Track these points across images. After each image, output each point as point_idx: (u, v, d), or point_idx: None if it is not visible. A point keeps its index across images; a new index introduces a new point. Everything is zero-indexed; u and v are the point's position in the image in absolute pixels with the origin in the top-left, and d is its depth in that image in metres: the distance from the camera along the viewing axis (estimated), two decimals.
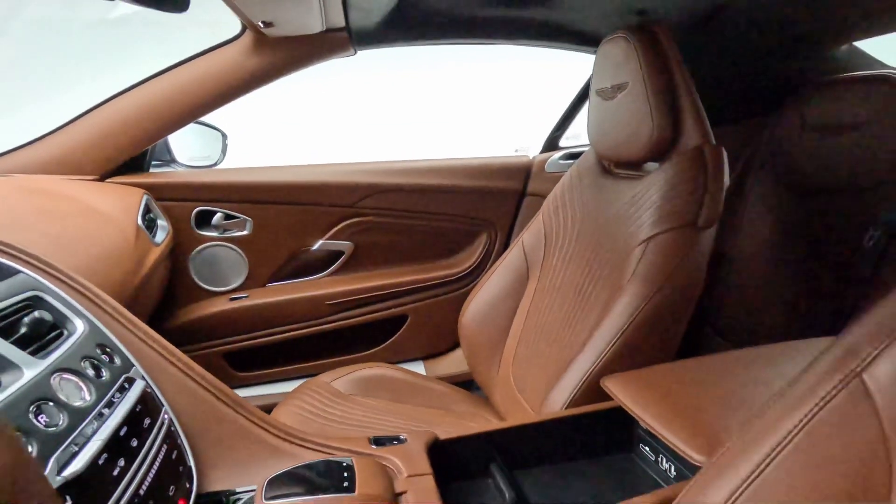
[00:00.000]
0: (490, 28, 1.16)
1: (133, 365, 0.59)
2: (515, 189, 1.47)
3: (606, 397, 0.77)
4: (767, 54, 1.23)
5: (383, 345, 1.46)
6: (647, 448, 0.77)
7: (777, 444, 0.47)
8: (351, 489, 0.56)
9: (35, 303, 0.55)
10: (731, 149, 1.38)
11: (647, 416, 0.71)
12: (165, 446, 0.55)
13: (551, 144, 1.52)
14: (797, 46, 1.20)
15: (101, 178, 1.10)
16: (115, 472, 0.47)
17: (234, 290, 1.34)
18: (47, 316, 0.54)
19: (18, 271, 0.57)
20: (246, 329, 1.33)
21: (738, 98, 1.37)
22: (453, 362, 1.50)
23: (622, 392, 0.76)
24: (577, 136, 1.55)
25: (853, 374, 0.46)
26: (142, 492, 0.49)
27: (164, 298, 1.19)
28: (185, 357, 0.65)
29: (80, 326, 0.56)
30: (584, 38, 1.21)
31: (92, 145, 1.08)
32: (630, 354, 0.82)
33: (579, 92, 1.43)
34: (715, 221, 0.85)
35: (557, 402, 0.84)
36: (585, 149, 1.23)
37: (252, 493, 0.57)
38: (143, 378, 0.59)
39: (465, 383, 1.41)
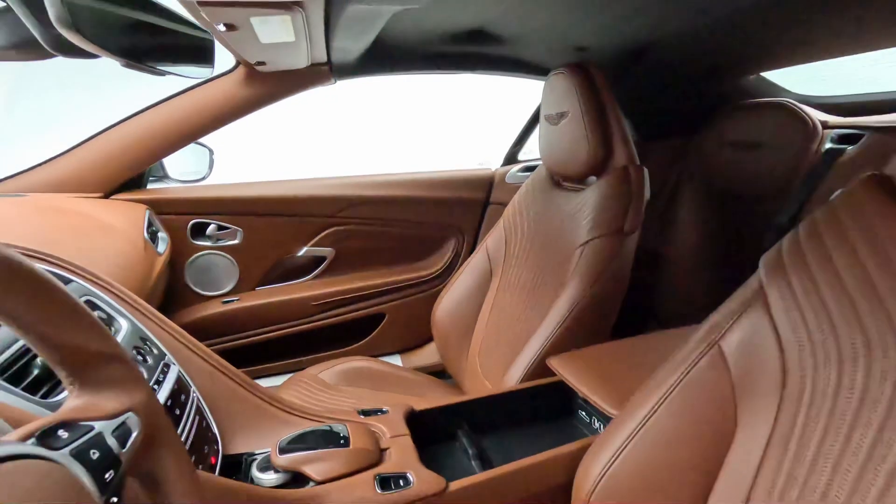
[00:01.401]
0: (453, 61, 1.32)
1: (166, 354, 0.73)
2: (480, 198, 1.63)
3: (552, 373, 0.95)
4: (691, 81, 1.44)
5: (364, 340, 1.58)
6: (583, 412, 0.94)
7: (660, 397, 0.65)
8: (346, 445, 0.71)
9: (90, 306, 0.68)
10: (666, 161, 1.59)
11: (581, 386, 0.88)
12: (198, 417, 0.69)
13: (511, 158, 1.70)
14: (714, 76, 1.40)
15: (106, 196, 1.21)
16: None
17: (226, 294, 1.44)
18: (102, 315, 0.67)
19: (71, 280, 0.70)
20: (238, 329, 1.44)
21: (671, 117, 1.58)
22: (427, 354, 1.63)
23: (563, 368, 0.93)
24: (533, 150, 1.73)
25: (713, 343, 0.63)
26: (187, 448, 0.63)
27: (163, 302, 1.31)
28: (206, 348, 0.79)
29: (124, 324, 0.70)
30: (535, 69, 1.39)
31: (98, 166, 1.19)
32: (571, 338, 1.00)
33: (533, 113, 1.61)
34: (637, 228, 1.04)
35: (513, 378, 1.01)
36: (540, 163, 1.41)
37: (267, 453, 0.72)
38: (175, 364, 0.73)
39: (439, 373, 1.54)
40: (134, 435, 0.36)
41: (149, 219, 1.19)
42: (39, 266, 0.33)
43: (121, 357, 0.38)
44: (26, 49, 0.60)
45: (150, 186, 1.34)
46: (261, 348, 1.47)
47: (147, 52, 0.52)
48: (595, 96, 1.07)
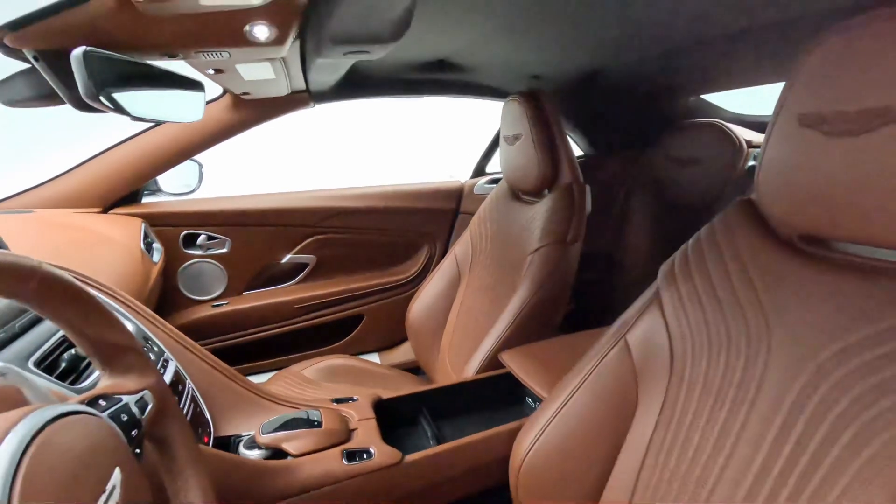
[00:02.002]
0: (421, 86, 1.45)
1: (165, 351, 0.85)
2: (450, 208, 1.77)
3: (503, 366, 1.09)
4: (637, 102, 1.59)
5: (344, 340, 1.70)
6: (530, 399, 1.08)
7: (578, 382, 0.78)
8: (319, 426, 0.84)
9: None
10: (619, 173, 1.74)
11: (524, 376, 1.02)
12: (193, 404, 0.82)
13: (478, 171, 1.84)
14: (657, 98, 1.55)
15: (105, 210, 1.32)
16: None
17: (215, 299, 1.55)
18: None
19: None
20: (226, 331, 1.54)
21: (622, 134, 1.73)
22: (403, 352, 1.75)
23: (511, 361, 1.07)
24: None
25: (621, 337, 0.77)
26: None
27: (157, 307, 1.43)
28: (199, 346, 0.92)
29: (129, 326, 0.82)
30: (495, 93, 1.53)
31: (97, 183, 1.30)
32: (521, 334, 1.14)
33: (497, 131, 1.75)
34: (579, 238, 1.18)
35: (470, 370, 1.15)
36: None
37: (252, 435, 0.85)
38: (173, 360, 0.85)
39: (413, 369, 1.65)
40: (149, 407, 0.49)
41: (144, 231, 1.31)
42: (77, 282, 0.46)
43: (137, 349, 0.51)
44: (46, 100, 0.73)
45: (144, 200, 1.46)
46: (248, 348, 1.57)
47: (150, 107, 0.65)
48: (544, 122, 1.21)
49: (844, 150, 0.52)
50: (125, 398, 0.47)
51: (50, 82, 0.64)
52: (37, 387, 0.47)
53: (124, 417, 0.45)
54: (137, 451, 0.46)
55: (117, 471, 0.39)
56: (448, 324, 1.45)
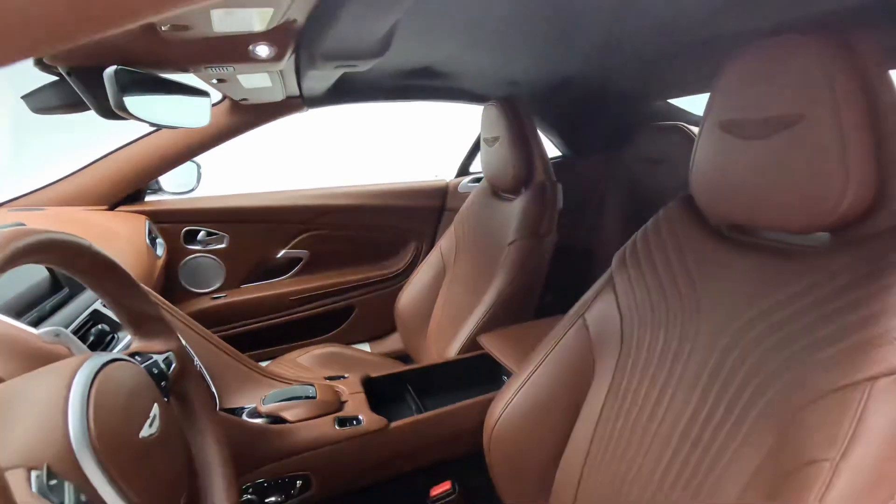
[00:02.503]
0: (407, 92, 1.56)
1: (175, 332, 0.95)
2: (437, 206, 1.88)
3: (482, 348, 1.20)
4: (609, 106, 1.70)
5: (336, 330, 1.80)
6: (505, 377, 1.19)
7: (543, 357, 0.88)
8: (314, 398, 0.95)
9: None
10: (595, 172, 1.85)
11: (499, 354, 1.13)
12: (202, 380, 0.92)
13: (463, 170, 1.95)
14: (628, 102, 1.67)
15: (111, 208, 1.42)
16: None
17: (214, 292, 1.64)
18: None
19: None
20: (225, 322, 1.63)
21: (597, 136, 1.84)
22: (392, 342, 1.84)
23: (488, 342, 1.18)
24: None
25: (580, 315, 0.87)
26: None
27: None
28: (205, 329, 1.01)
29: None
30: (476, 98, 1.64)
31: (103, 183, 1.39)
32: (497, 319, 1.24)
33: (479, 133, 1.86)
34: (551, 232, 1.29)
35: (452, 352, 1.26)
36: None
37: (255, 406, 0.95)
38: (182, 340, 0.95)
39: (402, 357, 1.74)
40: (174, 366, 0.59)
41: (148, 227, 1.41)
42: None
43: (163, 318, 0.61)
44: (72, 109, 0.83)
45: (147, 199, 1.55)
46: (245, 338, 1.66)
47: (165, 114, 0.75)
48: (520, 126, 1.32)
49: (755, 152, 0.64)
50: (154, 356, 0.57)
51: (80, 94, 0.74)
52: (81, 347, 0.57)
53: (155, 371, 0.55)
54: (165, 400, 0.56)
55: (156, 405, 0.49)
56: (434, 313, 1.55)
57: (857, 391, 0.51)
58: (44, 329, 0.55)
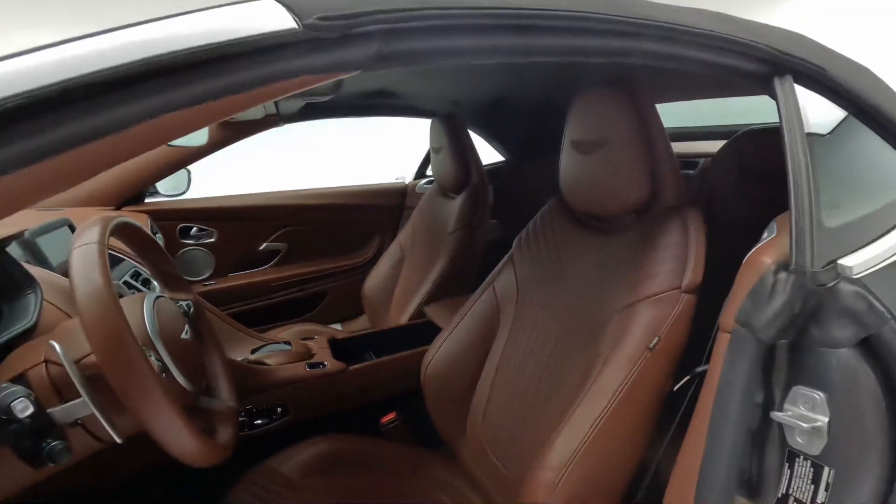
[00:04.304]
0: (369, 109, 1.86)
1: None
2: (398, 204, 2.17)
3: (427, 317, 1.50)
4: (544, 119, 2.02)
5: (311, 312, 2.06)
6: None
7: (462, 314, 1.15)
8: (290, 349, 1.24)
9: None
10: (536, 176, 2.14)
11: (440, 322, 1.43)
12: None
13: (420, 173, 2.25)
14: (558, 116, 1.99)
15: (118, 208, 1.68)
16: None
17: (205, 280, 1.88)
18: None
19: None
20: (215, 306, 1.89)
21: (536, 142, 2.14)
22: (361, 322, 2.07)
23: (432, 312, 1.48)
24: None
25: (491, 283, 1.16)
26: None
27: None
28: (206, 302, 1.29)
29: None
30: (425, 113, 1.92)
31: (111, 186, 1.66)
32: (439, 294, 1.55)
33: None
34: (482, 224, 1.61)
35: (403, 320, 1.55)
36: None
37: (245, 358, 1.23)
38: None
39: None
40: (192, 309, 0.88)
41: (151, 225, 1.67)
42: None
43: (182, 277, 0.90)
44: None
45: (147, 201, 1.81)
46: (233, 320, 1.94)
47: None
48: (458, 138, 1.63)
49: (589, 163, 0.95)
50: (180, 301, 0.86)
51: None
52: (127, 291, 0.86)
53: (181, 309, 0.84)
54: (187, 329, 0.85)
55: (187, 326, 0.78)
56: (394, 294, 1.84)
57: (633, 308, 0.82)
58: None
